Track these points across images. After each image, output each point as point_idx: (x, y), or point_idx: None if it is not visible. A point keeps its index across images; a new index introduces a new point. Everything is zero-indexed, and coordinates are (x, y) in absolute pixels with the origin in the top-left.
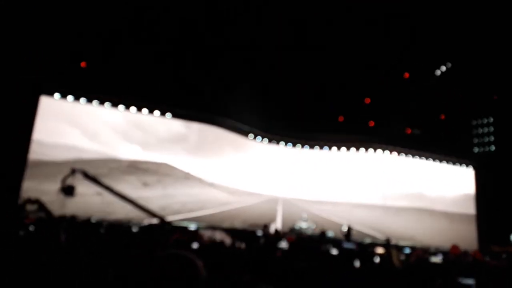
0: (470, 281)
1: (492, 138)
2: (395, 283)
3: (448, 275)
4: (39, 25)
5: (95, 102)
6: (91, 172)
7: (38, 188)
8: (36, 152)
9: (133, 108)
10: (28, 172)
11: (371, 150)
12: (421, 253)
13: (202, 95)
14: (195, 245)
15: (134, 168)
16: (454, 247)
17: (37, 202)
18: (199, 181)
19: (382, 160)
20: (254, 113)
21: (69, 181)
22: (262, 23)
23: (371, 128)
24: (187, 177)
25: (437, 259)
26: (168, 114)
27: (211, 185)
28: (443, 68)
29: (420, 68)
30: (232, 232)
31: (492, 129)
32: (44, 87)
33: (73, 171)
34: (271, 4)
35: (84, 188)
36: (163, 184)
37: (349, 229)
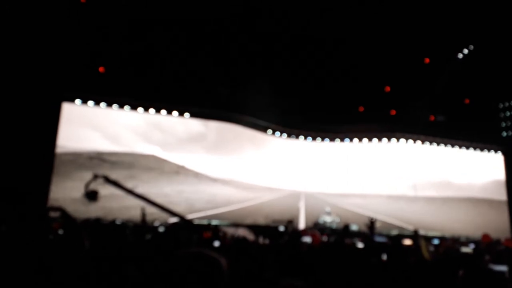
0: (503, 268)
1: None
2: (424, 276)
3: (479, 264)
4: (56, 34)
5: (114, 106)
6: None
7: (65, 190)
8: (60, 156)
9: (152, 110)
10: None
11: (393, 139)
12: (450, 243)
13: (218, 93)
14: (216, 243)
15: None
16: (485, 236)
17: (59, 209)
18: (214, 179)
19: (405, 149)
20: (271, 108)
21: (92, 186)
22: (276, 17)
23: (393, 117)
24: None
25: (467, 249)
26: (186, 114)
27: (228, 182)
28: (465, 51)
29: (441, 52)
30: (255, 228)
31: None
32: (66, 94)
33: (95, 176)
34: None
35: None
36: (178, 181)
37: (373, 222)
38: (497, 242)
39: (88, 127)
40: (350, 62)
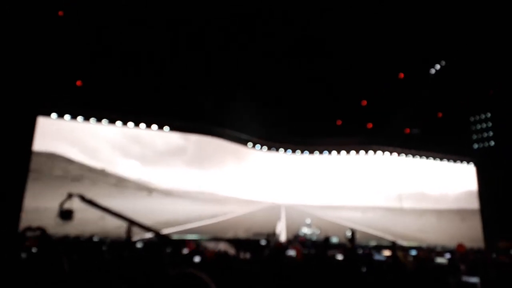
0: (474, 280)
1: (491, 133)
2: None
3: (454, 275)
4: (32, 46)
5: (92, 119)
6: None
7: (39, 207)
8: (35, 172)
9: (130, 124)
10: (28, 193)
11: (371, 152)
12: (426, 254)
13: (199, 106)
14: (197, 258)
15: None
16: (460, 246)
17: (40, 229)
18: (193, 193)
19: (382, 162)
20: (252, 121)
21: (67, 205)
22: (257, 30)
23: (369, 130)
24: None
25: (443, 259)
26: (166, 127)
27: (208, 195)
28: (438, 67)
29: (414, 68)
30: (235, 242)
31: (490, 124)
32: (41, 108)
33: (70, 196)
34: (265, 12)
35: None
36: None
37: (353, 233)
38: (471, 251)
39: (65, 141)
40: (328, 77)
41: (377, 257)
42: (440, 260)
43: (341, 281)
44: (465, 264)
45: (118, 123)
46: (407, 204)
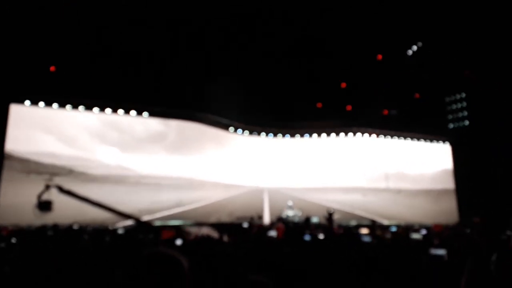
0: (441, 252)
1: (465, 113)
2: (374, 262)
3: (425, 249)
4: (3, 32)
5: (68, 106)
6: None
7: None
8: (9, 163)
9: (108, 110)
10: (3, 184)
11: (350, 134)
12: (402, 231)
13: (179, 91)
14: (179, 242)
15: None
16: (436, 226)
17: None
18: (175, 179)
19: (362, 143)
20: (233, 106)
21: (45, 196)
22: (237, 14)
23: (349, 112)
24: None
25: (417, 235)
26: (145, 113)
27: (190, 181)
28: (414, 48)
29: (392, 49)
30: (218, 226)
31: (465, 104)
32: (13, 94)
33: (48, 187)
34: None
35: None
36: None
37: (331, 214)
38: (446, 228)
39: (40, 129)
40: (307, 60)
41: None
42: (415, 236)
43: (319, 258)
44: (439, 239)
45: (95, 109)
46: (389, 184)
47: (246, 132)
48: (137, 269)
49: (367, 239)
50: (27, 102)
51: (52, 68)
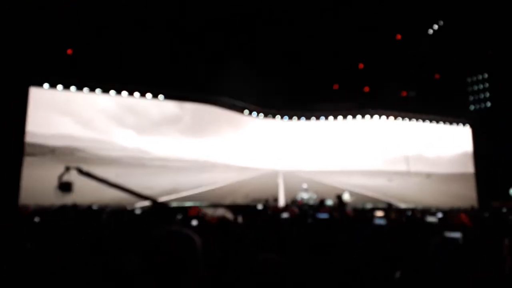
0: (457, 235)
1: (487, 95)
2: (388, 242)
3: (440, 232)
4: (21, 16)
5: (85, 89)
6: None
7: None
8: (30, 143)
9: (124, 93)
10: (25, 164)
11: (367, 116)
12: (418, 214)
13: (194, 74)
14: (194, 222)
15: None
16: (463, 215)
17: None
18: (192, 161)
19: (379, 126)
20: (248, 88)
21: (65, 178)
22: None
23: (366, 94)
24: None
25: (433, 218)
26: (161, 96)
27: (206, 163)
28: (435, 27)
29: (412, 28)
30: (233, 208)
31: (487, 85)
32: (33, 78)
33: (67, 169)
34: None
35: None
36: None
37: (339, 197)
38: (465, 211)
39: (58, 112)
40: (323, 41)
41: (376, 221)
42: (431, 219)
43: (330, 237)
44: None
45: (112, 92)
46: (408, 167)
47: (261, 115)
48: (149, 247)
49: (380, 221)
50: (46, 85)
51: (69, 51)
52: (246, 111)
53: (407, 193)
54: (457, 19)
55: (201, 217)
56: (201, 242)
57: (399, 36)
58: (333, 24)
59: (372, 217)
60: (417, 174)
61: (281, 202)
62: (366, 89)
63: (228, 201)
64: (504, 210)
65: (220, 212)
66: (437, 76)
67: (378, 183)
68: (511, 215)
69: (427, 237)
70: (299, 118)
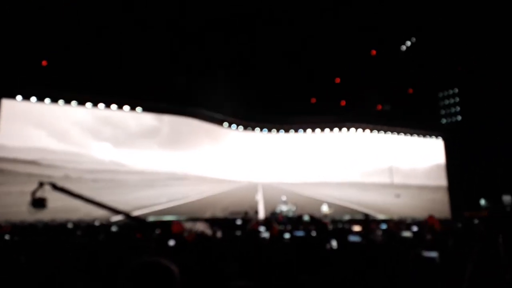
0: (433, 254)
1: (458, 109)
2: (364, 260)
3: (416, 249)
4: None
5: (60, 101)
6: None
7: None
8: (2, 157)
9: (101, 105)
10: None
11: (344, 129)
12: (393, 226)
13: (172, 86)
14: (171, 242)
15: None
16: (431, 218)
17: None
18: (170, 174)
19: (356, 139)
20: (227, 101)
21: (39, 194)
22: (233, 11)
23: (343, 108)
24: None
25: (407, 233)
26: (139, 108)
27: (184, 176)
28: (408, 43)
29: (386, 45)
30: (212, 222)
31: (457, 99)
32: (5, 89)
33: (41, 184)
34: None
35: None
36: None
37: (312, 218)
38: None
39: (32, 124)
40: (301, 55)
41: (352, 238)
42: (406, 234)
43: (307, 258)
44: (431, 235)
45: (88, 104)
46: (380, 179)
47: (241, 127)
48: (129, 281)
49: (355, 238)
50: (19, 97)
51: (44, 63)
52: (226, 124)
53: (382, 204)
54: (429, 37)
55: (181, 235)
56: (178, 272)
57: (373, 52)
58: (310, 39)
59: (349, 231)
60: (391, 186)
61: (261, 215)
62: (343, 103)
63: (208, 214)
64: (476, 221)
65: (200, 227)
66: (410, 90)
67: (354, 194)
68: (482, 225)
69: (403, 255)
70: (278, 131)
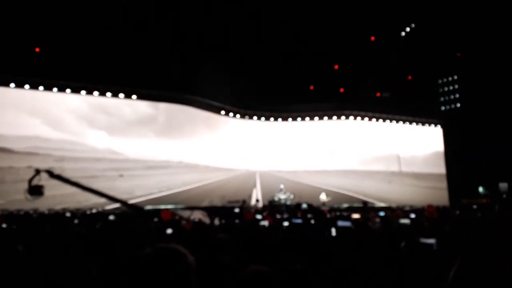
0: (431, 241)
1: (457, 96)
2: (362, 247)
3: (413, 236)
4: None
5: (54, 89)
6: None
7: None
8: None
9: (95, 92)
10: None
11: (343, 117)
12: (392, 215)
13: (169, 73)
14: (169, 230)
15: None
16: (429, 206)
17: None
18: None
19: (354, 126)
20: (225, 89)
21: (36, 181)
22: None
23: (342, 95)
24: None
25: (405, 220)
26: (134, 96)
27: (181, 165)
28: (407, 30)
29: (385, 31)
30: (210, 210)
31: (457, 86)
32: None
33: (38, 172)
34: None
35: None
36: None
37: (310, 206)
38: (437, 209)
39: (26, 112)
40: (300, 42)
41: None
42: (403, 221)
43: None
44: (429, 223)
45: (83, 92)
46: (378, 167)
47: (238, 115)
48: (143, 266)
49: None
50: (12, 85)
51: (37, 49)
52: (223, 112)
53: (381, 192)
54: (428, 23)
55: (176, 222)
56: (193, 259)
57: (373, 38)
58: (310, 26)
59: (347, 218)
60: (390, 173)
61: (260, 203)
62: (341, 90)
63: (205, 202)
64: (475, 206)
65: (197, 215)
66: (409, 77)
67: (353, 182)
68: (480, 212)
69: (400, 241)
70: (275, 119)
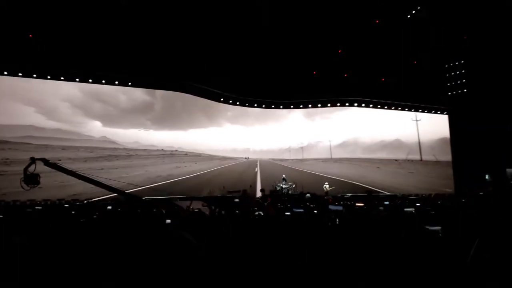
0: (436, 228)
1: (464, 80)
2: (368, 235)
3: (418, 224)
4: None
5: (48, 77)
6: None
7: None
8: None
9: (90, 80)
10: None
11: (347, 104)
12: (396, 204)
13: (167, 60)
14: (168, 220)
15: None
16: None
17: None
18: (164, 151)
19: (359, 113)
20: (224, 75)
21: (31, 170)
22: None
23: (346, 80)
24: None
25: (410, 209)
26: (129, 83)
27: (180, 153)
28: (413, 12)
29: (390, 14)
30: (210, 200)
31: (463, 71)
32: None
33: (33, 160)
34: None
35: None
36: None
37: (314, 195)
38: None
39: (20, 101)
40: (302, 27)
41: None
42: (408, 209)
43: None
44: (435, 210)
45: (77, 79)
46: (383, 155)
47: (238, 102)
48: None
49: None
50: (5, 73)
51: (30, 36)
52: (222, 98)
53: (386, 180)
54: (434, 6)
55: (175, 212)
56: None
57: (377, 21)
58: (313, 9)
59: (352, 206)
60: (395, 161)
61: (259, 193)
62: (345, 75)
63: (204, 192)
64: (481, 193)
65: (195, 205)
66: (415, 62)
67: (358, 171)
68: (487, 199)
69: (404, 228)
70: (277, 106)
